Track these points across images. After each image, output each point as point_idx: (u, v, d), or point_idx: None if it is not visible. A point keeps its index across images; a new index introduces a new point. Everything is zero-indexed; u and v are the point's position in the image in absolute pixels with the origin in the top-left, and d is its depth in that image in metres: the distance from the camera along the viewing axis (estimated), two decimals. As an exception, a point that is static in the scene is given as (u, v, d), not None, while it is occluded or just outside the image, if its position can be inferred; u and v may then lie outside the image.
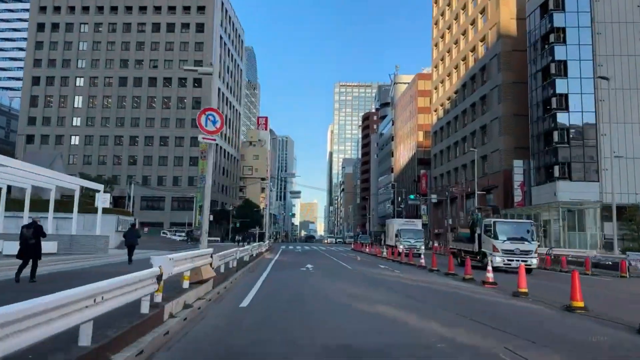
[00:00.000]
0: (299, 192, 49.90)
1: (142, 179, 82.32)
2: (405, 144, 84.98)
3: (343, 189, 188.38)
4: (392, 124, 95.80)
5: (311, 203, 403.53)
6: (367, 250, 41.74)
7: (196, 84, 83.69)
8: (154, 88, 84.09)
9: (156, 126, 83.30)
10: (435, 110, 68.52)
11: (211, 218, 74.95)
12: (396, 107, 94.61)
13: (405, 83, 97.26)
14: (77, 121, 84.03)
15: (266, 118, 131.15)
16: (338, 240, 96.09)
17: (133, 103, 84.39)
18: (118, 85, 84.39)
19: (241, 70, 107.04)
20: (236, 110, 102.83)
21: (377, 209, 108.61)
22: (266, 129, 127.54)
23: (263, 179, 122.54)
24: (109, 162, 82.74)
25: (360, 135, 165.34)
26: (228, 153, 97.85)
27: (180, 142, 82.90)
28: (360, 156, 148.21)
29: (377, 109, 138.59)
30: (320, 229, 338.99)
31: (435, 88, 68.76)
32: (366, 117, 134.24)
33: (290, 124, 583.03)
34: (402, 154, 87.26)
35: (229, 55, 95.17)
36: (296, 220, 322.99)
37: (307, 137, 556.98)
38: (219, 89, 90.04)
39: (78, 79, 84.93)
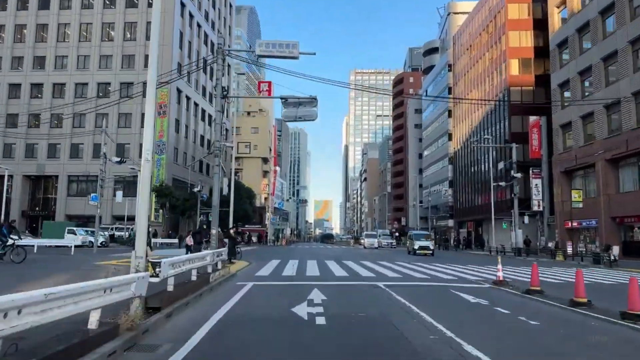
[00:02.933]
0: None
1: (71, 147, 53.33)
2: (479, 90, 54.39)
3: (365, 179, 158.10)
4: (449, 70, 65.18)
5: (326, 200, 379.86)
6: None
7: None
8: (89, 11, 54.93)
9: (92, 67, 54.12)
10: (561, 5, 37.82)
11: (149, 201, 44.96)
12: (456, 43, 63.95)
13: (464, 13, 66.70)
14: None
15: (269, 83, 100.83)
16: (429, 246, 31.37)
17: (59, 36, 55.31)
18: (37, 8, 55.38)
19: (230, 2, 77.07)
20: (224, 60, 72.87)
21: (420, 196, 78.04)
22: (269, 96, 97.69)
23: (265, 160, 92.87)
24: (19, 121, 53.78)
25: (389, 112, 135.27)
26: (212, 119, 68.20)
27: (128, 91, 53.50)
28: (390, 132, 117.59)
29: (412, 69, 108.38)
30: (335, 227, 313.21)
31: (559, -36, 38.09)
32: (399, 80, 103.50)
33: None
34: (471, 108, 56.65)
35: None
36: (310, 218, 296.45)
37: (321, 130, 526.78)
38: (192, 17, 60.71)
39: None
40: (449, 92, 64.87)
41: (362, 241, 47.83)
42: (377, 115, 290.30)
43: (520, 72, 46.07)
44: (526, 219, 38.76)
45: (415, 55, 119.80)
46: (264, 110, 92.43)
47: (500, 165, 35.13)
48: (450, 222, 62.56)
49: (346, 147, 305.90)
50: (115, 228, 48.76)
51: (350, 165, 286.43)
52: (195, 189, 42.17)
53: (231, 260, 19.12)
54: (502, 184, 35.13)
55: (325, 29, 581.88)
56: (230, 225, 23.93)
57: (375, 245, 45.30)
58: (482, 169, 51.11)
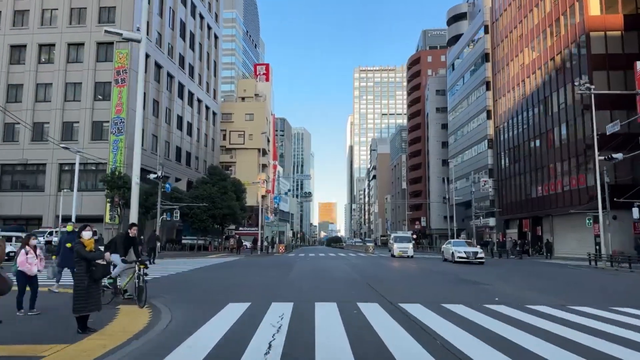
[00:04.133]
0: None
1: (4, 127, 41.13)
2: (534, 47, 41.76)
3: (374, 176, 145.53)
4: (485, 33, 52.58)
5: (330, 203, 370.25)
6: None
7: (110, -60, 41.88)
8: (30, -47, 42.77)
9: (31, 26, 41.89)
10: None
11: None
12: (494, -3, 51.31)
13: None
14: None
15: (267, 66, 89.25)
16: None
17: (-8, -15, 43.24)
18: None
19: (218, -35, 64.85)
20: (210, 29, 60.87)
21: (446, 191, 65.35)
22: (267, 80, 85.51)
23: (262, 152, 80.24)
24: (-61, 97, 41.63)
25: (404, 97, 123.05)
26: (200, 102, 56.54)
27: (78, 55, 41.19)
28: (406, 121, 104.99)
29: (430, 47, 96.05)
30: (341, 229, 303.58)
31: None
32: (415, 61, 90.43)
33: (305, 121, 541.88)
34: (521, 73, 44.03)
35: None
36: (315, 220, 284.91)
37: (325, 132, 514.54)
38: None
39: None
40: (486, 60, 52.23)
41: (391, 246, 34.18)
42: (383, 114, 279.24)
43: (603, 11, 33.48)
44: (635, 212, 26.09)
45: (430, 37, 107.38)
46: (260, 96, 80.00)
47: (613, 127, 22.46)
48: (492, 221, 49.82)
49: (351, 148, 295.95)
50: (57, 232, 36.31)
51: (355, 165, 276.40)
52: (152, 176, 29.57)
53: (82, 328, 6.39)
54: (619, 155, 22.42)
55: (328, 22, 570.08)
56: (131, 221, 11.10)
57: (409, 254, 31.62)
58: (544, 146, 38.53)
